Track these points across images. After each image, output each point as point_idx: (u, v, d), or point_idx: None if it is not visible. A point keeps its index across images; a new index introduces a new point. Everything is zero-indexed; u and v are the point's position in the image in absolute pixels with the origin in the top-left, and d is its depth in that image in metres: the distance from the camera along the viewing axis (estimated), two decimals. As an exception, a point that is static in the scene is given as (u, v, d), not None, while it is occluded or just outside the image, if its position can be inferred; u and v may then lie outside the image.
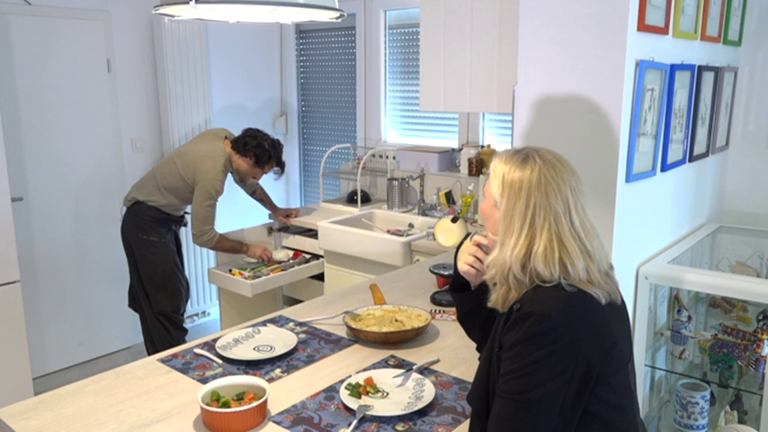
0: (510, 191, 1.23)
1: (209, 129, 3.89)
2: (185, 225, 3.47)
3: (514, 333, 1.16)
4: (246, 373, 1.65)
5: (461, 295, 1.47)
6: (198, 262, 4.25)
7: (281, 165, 3.40)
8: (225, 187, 3.23)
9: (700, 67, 2.17)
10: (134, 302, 3.41)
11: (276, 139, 3.36)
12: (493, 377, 1.22)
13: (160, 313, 3.29)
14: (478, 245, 1.38)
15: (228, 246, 3.36)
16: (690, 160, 2.25)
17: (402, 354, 1.79)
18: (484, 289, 1.42)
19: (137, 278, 3.31)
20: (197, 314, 4.37)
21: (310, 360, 1.76)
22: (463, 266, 1.40)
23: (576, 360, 1.12)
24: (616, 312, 1.24)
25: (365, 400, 1.52)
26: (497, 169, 1.27)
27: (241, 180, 3.57)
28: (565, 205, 1.21)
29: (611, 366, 1.17)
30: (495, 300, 1.27)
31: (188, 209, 3.46)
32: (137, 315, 3.44)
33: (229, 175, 3.53)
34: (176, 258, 3.36)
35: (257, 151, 3.22)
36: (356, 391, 1.54)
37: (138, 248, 3.24)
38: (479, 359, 1.35)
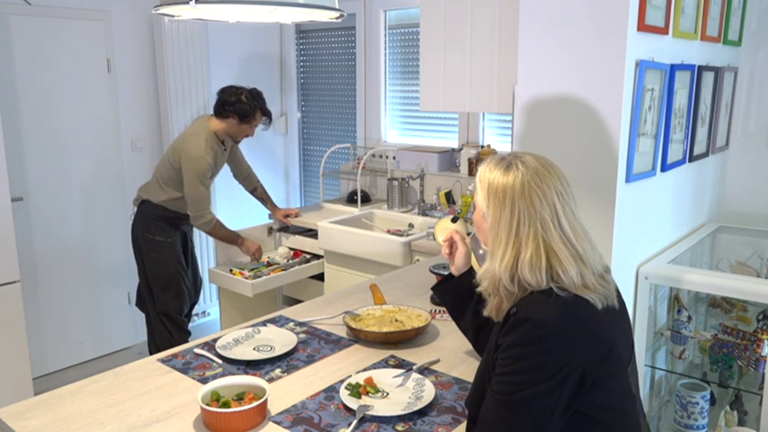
0: (495, 200, 1.22)
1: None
2: None
3: (510, 336, 1.16)
4: (246, 373, 1.65)
5: (442, 286, 1.67)
6: (199, 262, 4.24)
7: (268, 114, 3.25)
8: (228, 183, 3.14)
9: (700, 67, 2.17)
10: (141, 302, 3.40)
11: (253, 88, 3.22)
12: (490, 380, 1.22)
13: (163, 314, 3.27)
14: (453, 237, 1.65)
15: (225, 234, 3.30)
16: (690, 160, 2.25)
17: (402, 354, 1.79)
18: (466, 274, 1.62)
19: (143, 278, 3.30)
20: (197, 314, 4.37)
21: (310, 360, 1.76)
22: (444, 250, 1.67)
23: (569, 366, 1.12)
24: (614, 316, 1.23)
25: (365, 400, 1.52)
26: (482, 179, 1.26)
27: (235, 142, 3.35)
28: (552, 211, 1.19)
29: (608, 371, 1.16)
30: (490, 310, 1.28)
31: None
32: (137, 315, 3.44)
33: (228, 171, 3.53)
34: (182, 259, 3.32)
35: (237, 107, 3.10)
36: (356, 391, 1.54)
37: (145, 248, 3.23)
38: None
